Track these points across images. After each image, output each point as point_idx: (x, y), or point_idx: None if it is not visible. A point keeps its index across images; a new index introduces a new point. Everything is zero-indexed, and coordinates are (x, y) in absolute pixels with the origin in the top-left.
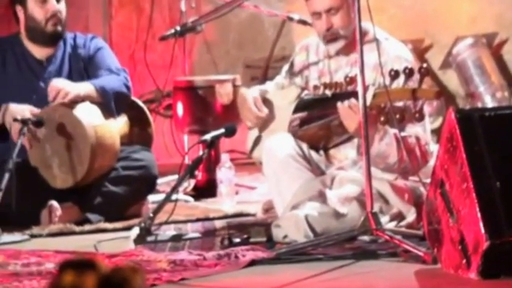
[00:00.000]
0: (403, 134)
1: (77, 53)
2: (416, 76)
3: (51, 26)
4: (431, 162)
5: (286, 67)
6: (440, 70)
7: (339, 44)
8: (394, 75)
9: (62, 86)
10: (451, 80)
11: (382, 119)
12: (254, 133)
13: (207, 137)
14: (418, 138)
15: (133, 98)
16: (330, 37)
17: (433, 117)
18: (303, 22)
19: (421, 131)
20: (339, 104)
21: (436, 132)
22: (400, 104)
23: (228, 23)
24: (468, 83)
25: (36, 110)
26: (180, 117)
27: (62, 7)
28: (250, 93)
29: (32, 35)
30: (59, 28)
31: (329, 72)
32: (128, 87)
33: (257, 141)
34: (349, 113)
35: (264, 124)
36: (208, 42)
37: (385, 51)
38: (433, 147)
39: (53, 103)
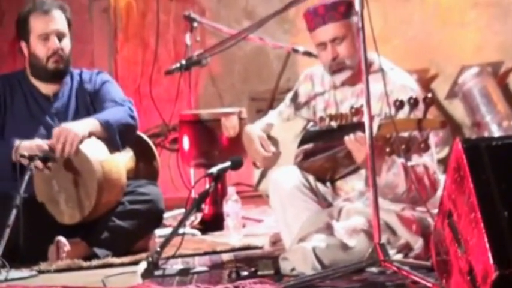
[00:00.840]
0: (411, 163)
1: (83, 88)
2: (422, 106)
3: (52, 63)
4: (439, 192)
5: (290, 95)
6: (446, 100)
7: (345, 75)
8: (399, 105)
9: (66, 133)
10: (457, 109)
11: (388, 150)
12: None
13: (214, 170)
14: (426, 167)
15: (139, 132)
16: (335, 67)
17: (440, 148)
18: (308, 54)
19: (429, 160)
20: (345, 137)
21: (443, 162)
22: (405, 134)
23: (233, 55)
24: (474, 112)
25: (45, 145)
26: (186, 150)
27: (65, 44)
28: (256, 133)
29: (35, 71)
30: (61, 66)
31: (335, 103)
32: (133, 118)
33: (263, 173)
34: (356, 145)
35: (270, 162)
36: (213, 75)
37: (391, 80)
38: (440, 178)
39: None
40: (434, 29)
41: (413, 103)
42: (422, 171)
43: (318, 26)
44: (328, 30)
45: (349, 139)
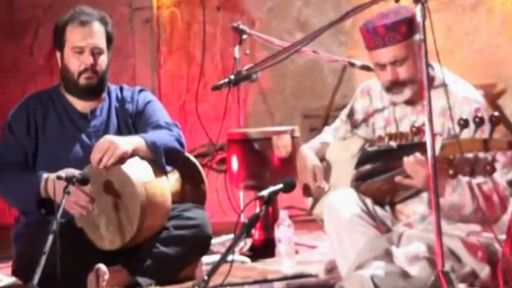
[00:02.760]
0: (477, 181)
1: (125, 108)
2: (487, 125)
3: (84, 79)
4: (507, 216)
5: (346, 111)
6: None
7: (405, 96)
8: (464, 124)
9: (108, 144)
10: None
11: (451, 172)
12: None
13: (264, 193)
14: (495, 183)
15: (185, 153)
16: (395, 89)
17: (508, 168)
18: (366, 68)
19: (498, 176)
20: (405, 159)
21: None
22: (470, 155)
23: (285, 70)
24: None
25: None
26: (235, 172)
27: (101, 60)
28: (311, 160)
29: (67, 86)
30: (94, 82)
31: (394, 120)
32: (181, 143)
33: (317, 198)
34: (415, 168)
35: (318, 195)
36: (263, 91)
37: (453, 93)
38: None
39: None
40: (502, 41)
41: (479, 122)
42: (490, 188)
43: (377, 48)
44: (389, 53)
45: (407, 161)
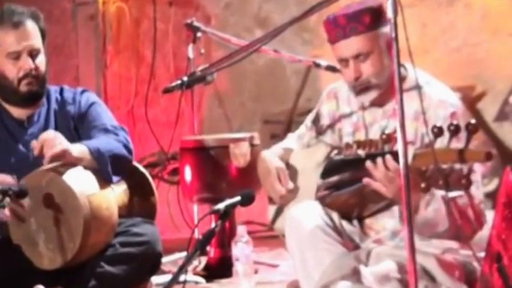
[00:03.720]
0: (452, 194)
1: (65, 110)
2: (464, 134)
3: (24, 86)
4: (486, 231)
5: (311, 116)
6: (496, 122)
7: (371, 95)
8: (437, 132)
9: (53, 135)
10: (508, 134)
11: (423, 185)
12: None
13: (220, 206)
14: (470, 197)
15: (134, 162)
16: (359, 88)
17: (487, 179)
18: (332, 69)
19: (474, 189)
20: (369, 165)
21: (491, 196)
22: (444, 167)
23: (243, 71)
24: None
25: (13, 180)
26: (188, 183)
27: (39, 61)
28: (274, 163)
29: (4, 94)
30: (35, 88)
31: (364, 126)
32: (129, 150)
33: (279, 210)
34: (387, 176)
35: (287, 200)
36: (220, 94)
37: (427, 96)
38: (488, 214)
39: (41, 169)
40: (482, 38)
41: (454, 130)
42: (465, 203)
43: (339, 39)
44: (351, 45)
45: (376, 168)
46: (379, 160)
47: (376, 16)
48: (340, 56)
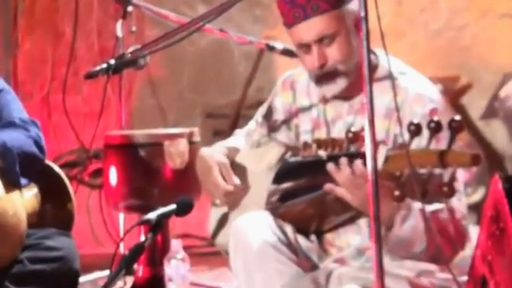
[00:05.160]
0: (430, 207)
1: None
2: (446, 133)
3: None
4: (469, 250)
5: (263, 110)
6: (483, 120)
7: (338, 86)
8: (415, 130)
9: None
10: (497, 134)
11: (396, 193)
12: (218, 211)
13: (152, 215)
14: (452, 211)
15: (47, 161)
16: (324, 77)
17: (472, 188)
18: (289, 53)
19: (455, 201)
20: (331, 167)
21: (476, 208)
22: (422, 171)
23: (183, 54)
24: None
25: None
26: (113, 187)
27: None
28: (215, 158)
29: None
30: None
31: (325, 122)
32: (40, 147)
33: (222, 221)
34: (355, 181)
35: (235, 200)
36: (154, 81)
37: (402, 88)
38: (472, 230)
39: None
40: (468, 20)
41: (435, 128)
42: (446, 218)
43: (298, 21)
44: (312, 27)
45: (339, 171)
46: (343, 161)
47: None
48: (300, 41)
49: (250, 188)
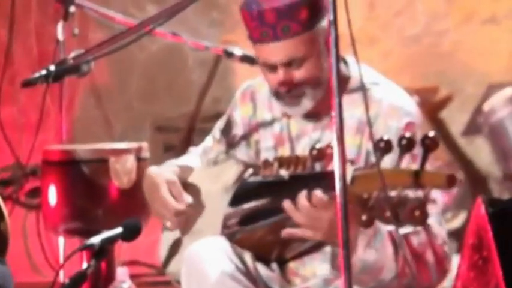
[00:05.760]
0: (404, 230)
1: None
2: (419, 150)
3: None
4: (450, 282)
5: (221, 124)
6: (464, 137)
7: (304, 107)
8: (385, 147)
9: None
10: (480, 152)
11: (364, 217)
12: (170, 235)
13: (95, 240)
14: (430, 235)
15: None
16: (289, 97)
17: (452, 212)
18: (250, 60)
19: (435, 224)
20: (288, 206)
21: (456, 235)
22: (393, 194)
23: (131, 60)
24: (508, 157)
25: None
26: (52, 208)
27: None
28: (163, 175)
29: None
30: None
31: (289, 138)
32: None
33: (175, 247)
34: (313, 215)
35: (187, 223)
36: (98, 90)
37: (374, 100)
38: (452, 260)
39: None
40: (448, 25)
41: (407, 145)
42: (423, 242)
43: (266, 41)
44: (281, 50)
45: (298, 210)
46: (301, 199)
47: (315, 10)
48: (266, 61)
49: (204, 209)
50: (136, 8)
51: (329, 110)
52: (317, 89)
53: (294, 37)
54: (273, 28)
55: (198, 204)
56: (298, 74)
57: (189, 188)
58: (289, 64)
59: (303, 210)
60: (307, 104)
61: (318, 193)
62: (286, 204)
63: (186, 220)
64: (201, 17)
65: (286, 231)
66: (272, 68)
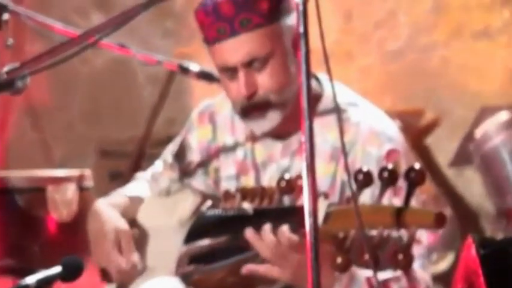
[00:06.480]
0: (384, 275)
1: None
2: (403, 184)
3: None
4: None
5: (173, 148)
6: (453, 168)
7: (269, 122)
8: (364, 180)
9: None
10: (471, 185)
11: (339, 261)
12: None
13: (31, 280)
14: (413, 280)
15: None
16: (252, 109)
17: (439, 253)
18: (208, 77)
19: (418, 268)
20: (251, 236)
21: (443, 279)
22: (373, 233)
23: (73, 75)
24: (503, 190)
25: None
26: None
27: None
28: (114, 222)
29: None
30: None
31: (254, 166)
32: None
33: None
34: (281, 253)
35: (128, 277)
36: (36, 109)
37: (352, 124)
38: None
39: None
40: (436, 39)
41: (389, 178)
42: None
43: (222, 38)
44: (241, 47)
45: (260, 241)
46: (266, 228)
47: (277, 1)
48: (224, 64)
49: (156, 246)
50: (79, 16)
51: (297, 129)
52: (284, 97)
53: (254, 30)
54: (230, 22)
55: (144, 246)
56: (261, 78)
57: (137, 228)
58: (250, 64)
59: (268, 241)
60: (274, 117)
61: (285, 230)
62: (249, 233)
63: (126, 276)
64: (153, 27)
65: (248, 267)
66: (232, 73)
